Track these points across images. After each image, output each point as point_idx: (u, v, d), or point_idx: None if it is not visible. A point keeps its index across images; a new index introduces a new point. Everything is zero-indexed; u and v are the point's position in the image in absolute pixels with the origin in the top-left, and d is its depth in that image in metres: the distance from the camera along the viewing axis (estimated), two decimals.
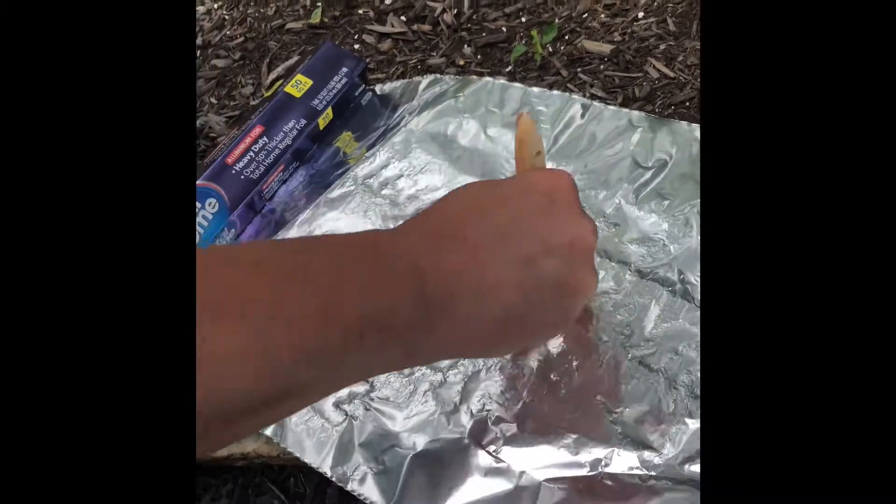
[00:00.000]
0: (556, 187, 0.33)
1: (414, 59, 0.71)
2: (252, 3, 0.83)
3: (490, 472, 0.39)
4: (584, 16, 0.68)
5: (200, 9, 0.85)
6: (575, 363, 0.41)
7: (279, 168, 0.60)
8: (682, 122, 0.50)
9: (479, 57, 0.68)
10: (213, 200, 0.57)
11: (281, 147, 0.60)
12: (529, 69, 0.65)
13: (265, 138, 0.60)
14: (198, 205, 0.56)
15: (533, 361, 0.42)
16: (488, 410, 0.41)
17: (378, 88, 0.65)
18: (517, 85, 0.58)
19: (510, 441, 0.39)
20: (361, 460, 0.41)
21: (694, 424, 0.38)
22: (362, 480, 0.40)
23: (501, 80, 0.59)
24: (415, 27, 0.74)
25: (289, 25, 0.79)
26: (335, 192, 0.55)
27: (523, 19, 0.70)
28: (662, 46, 0.63)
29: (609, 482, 0.37)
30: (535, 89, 0.56)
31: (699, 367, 0.39)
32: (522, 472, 0.38)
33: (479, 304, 0.29)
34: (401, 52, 0.72)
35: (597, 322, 0.42)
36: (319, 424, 0.43)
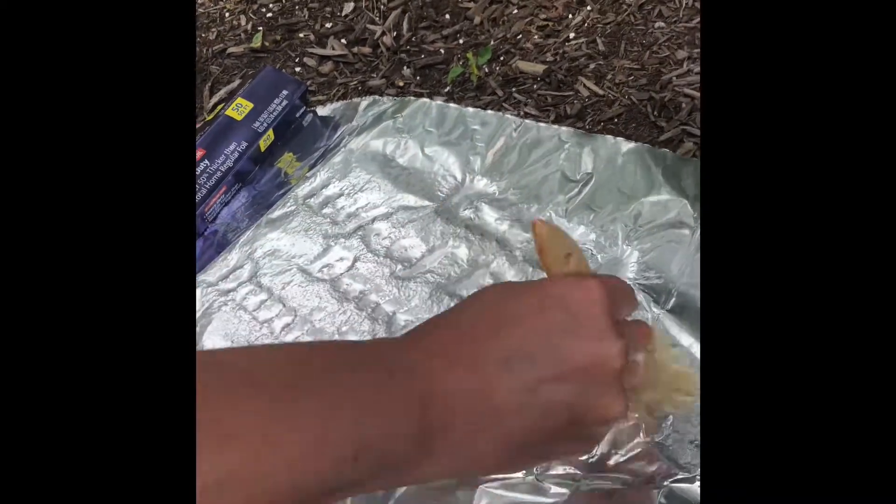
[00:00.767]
0: (580, 301, 0.29)
1: (354, 81, 0.72)
2: None
3: None
4: (519, 37, 0.70)
5: None
6: None
7: (221, 190, 0.61)
8: (608, 136, 0.53)
9: (417, 78, 0.70)
10: None
11: (223, 170, 0.61)
12: (467, 89, 0.67)
13: (206, 161, 0.61)
14: None
15: None
16: None
17: (319, 110, 0.67)
18: (453, 105, 0.59)
19: None
20: None
21: (623, 424, 0.40)
22: None
23: (438, 101, 0.61)
24: (355, 49, 0.75)
25: (230, 50, 0.79)
26: (276, 213, 0.56)
27: (461, 41, 0.73)
28: (592, 66, 0.65)
29: (543, 483, 0.39)
30: (471, 109, 0.58)
31: None
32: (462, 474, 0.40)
33: (479, 432, 0.28)
34: (341, 74, 0.74)
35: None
36: None
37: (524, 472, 0.39)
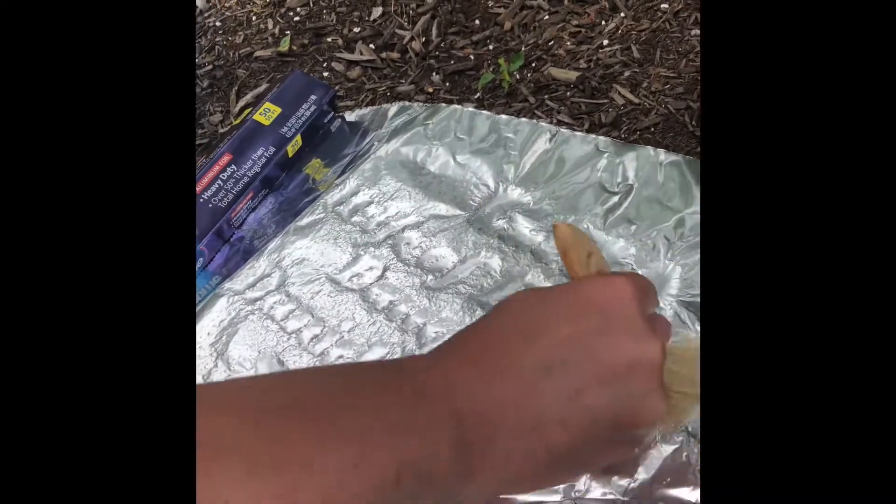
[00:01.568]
0: (612, 301, 0.28)
1: (383, 87, 0.71)
2: (220, 32, 0.83)
3: None
4: (550, 43, 0.69)
5: None
6: None
7: (248, 196, 0.60)
8: (648, 146, 0.51)
9: (447, 84, 0.69)
10: None
11: (250, 175, 0.60)
12: (497, 96, 0.66)
13: (233, 166, 0.60)
14: None
15: None
16: None
17: (347, 115, 0.66)
18: (485, 112, 0.58)
19: None
20: None
21: (667, 449, 0.38)
22: None
23: (470, 108, 0.60)
24: (383, 55, 0.74)
25: (257, 53, 0.79)
26: (305, 220, 0.55)
27: (490, 47, 0.71)
28: (627, 73, 0.64)
29: None
30: (503, 117, 0.57)
31: None
32: (502, 499, 0.38)
33: (521, 447, 0.26)
34: (370, 80, 0.73)
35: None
36: None
37: (562, 495, 0.38)
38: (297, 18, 0.82)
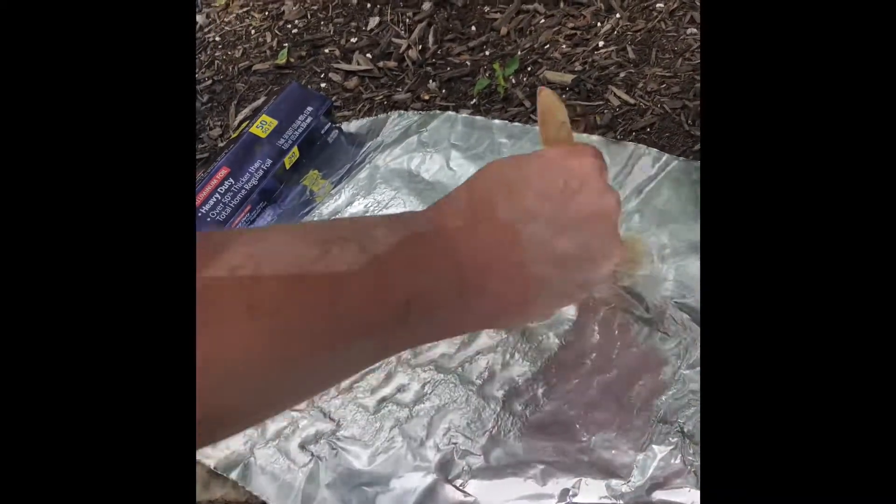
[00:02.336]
0: (577, 164, 0.34)
1: (380, 96, 0.71)
2: (220, 46, 0.84)
3: None
4: (546, 47, 0.69)
5: None
6: (540, 391, 0.41)
7: (246, 209, 0.60)
8: (641, 145, 0.51)
9: (443, 91, 0.69)
10: None
11: (247, 188, 0.60)
12: (493, 101, 0.66)
13: (231, 179, 0.60)
14: None
15: (498, 392, 0.42)
16: (454, 444, 0.40)
17: (345, 126, 0.66)
18: (479, 118, 0.58)
19: (477, 474, 0.39)
20: (328, 501, 0.40)
21: (661, 451, 0.38)
22: None
23: (464, 114, 0.60)
24: (380, 64, 0.75)
25: (255, 67, 0.79)
26: None
27: (487, 52, 0.71)
28: (623, 74, 0.64)
29: None
30: (497, 122, 0.57)
31: (670, 392, 0.39)
32: None
33: (509, 282, 0.32)
34: (367, 90, 0.73)
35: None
36: (286, 466, 0.42)
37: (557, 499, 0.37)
38: (294, 31, 0.82)
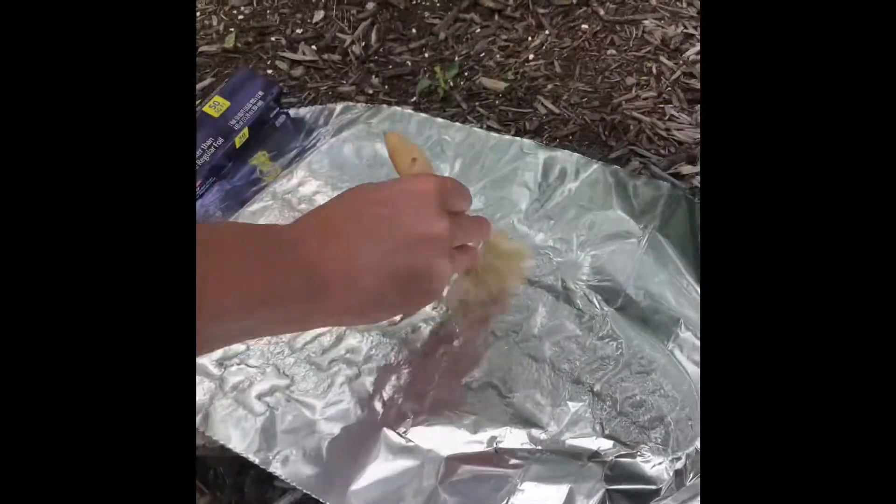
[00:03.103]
0: (420, 191, 0.40)
1: (325, 86, 0.76)
2: None
3: (400, 451, 0.44)
4: (482, 55, 0.76)
5: None
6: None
7: (196, 183, 0.64)
8: (567, 151, 0.58)
9: (386, 87, 0.75)
10: None
11: (198, 163, 0.64)
12: (433, 101, 0.72)
13: None
14: None
15: (440, 355, 0.48)
16: (398, 398, 0.46)
17: (293, 112, 0.70)
18: (423, 115, 0.64)
19: (417, 423, 0.45)
20: (283, 445, 0.45)
21: (574, 406, 0.45)
22: (284, 463, 0.45)
23: (409, 110, 0.66)
24: (325, 56, 0.79)
25: (202, 48, 0.82)
26: (254, 206, 0.60)
27: (426, 55, 0.77)
28: (550, 86, 0.71)
29: (502, 455, 0.43)
30: (440, 120, 0.63)
31: (577, 357, 0.47)
32: (429, 450, 0.44)
33: (348, 287, 0.38)
34: (312, 79, 0.77)
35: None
36: (243, 414, 0.47)
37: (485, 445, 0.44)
38: (241, 17, 0.85)
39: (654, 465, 0.42)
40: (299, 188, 0.60)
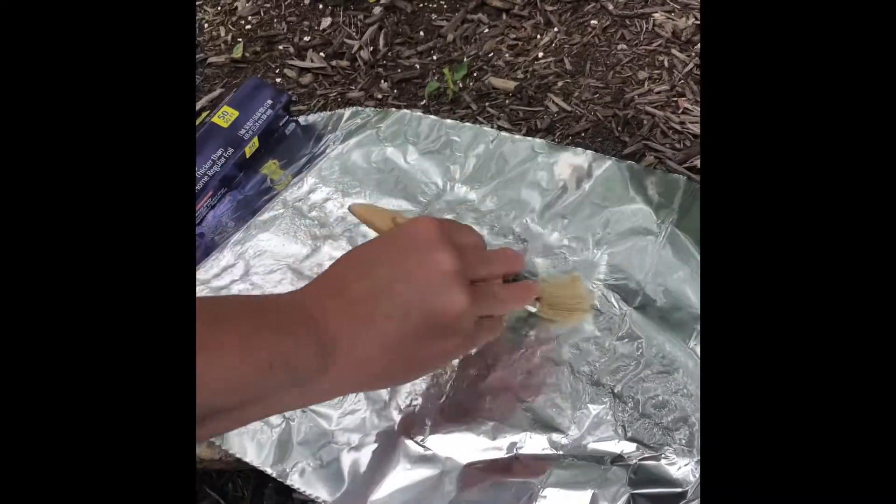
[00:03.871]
0: (415, 231, 0.39)
1: (334, 93, 0.75)
2: None
3: (419, 460, 0.43)
4: (490, 55, 0.75)
5: None
6: (489, 361, 0.47)
7: (208, 194, 0.64)
8: (578, 148, 0.57)
9: (395, 91, 0.74)
10: None
11: (209, 174, 0.64)
12: (442, 103, 0.71)
13: None
14: None
15: (454, 360, 0.47)
16: (415, 405, 0.45)
17: (302, 119, 0.70)
18: (432, 117, 0.63)
19: (435, 431, 0.44)
20: (300, 457, 0.45)
21: (595, 409, 0.44)
22: (301, 475, 0.44)
23: (418, 113, 0.65)
24: (333, 63, 0.79)
25: (211, 60, 0.82)
26: (265, 216, 0.59)
27: (434, 57, 0.77)
28: (560, 83, 0.70)
29: (523, 462, 0.42)
30: (449, 121, 0.62)
31: (597, 359, 0.46)
32: (448, 458, 0.43)
33: (360, 344, 0.35)
34: (321, 86, 0.77)
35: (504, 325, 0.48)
36: (259, 427, 0.46)
37: (505, 451, 0.43)
38: (248, 27, 0.85)
39: (680, 467, 0.41)
40: (310, 195, 0.59)
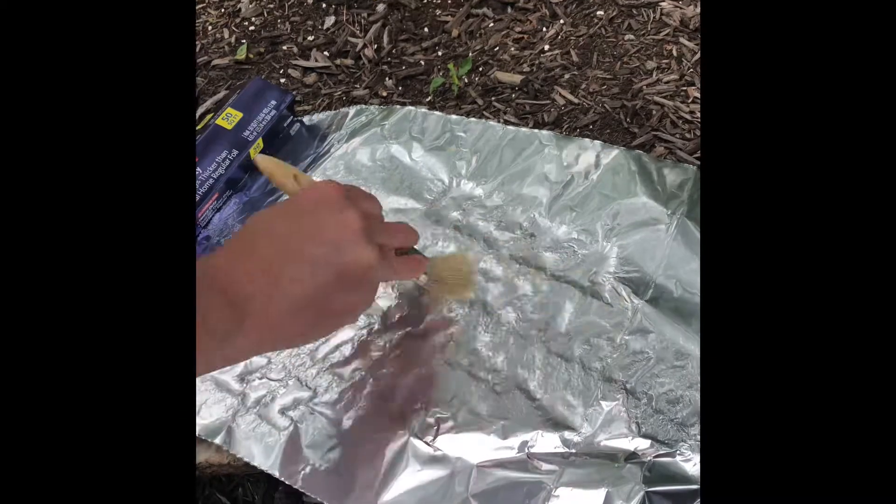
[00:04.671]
0: (319, 195, 0.40)
1: (339, 92, 0.75)
2: None
3: (428, 461, 0.43)
4: (496, 49, 0.74)
5: None
6: (500, 359, 0.46)
7: (213, 197, 0.63)
8: (586, 139, 0.56)
9: (400, 88, 0.73)
10: None
11: (214, 177, 0.63)
12: (448, 99, 0.70)
13: (198, 169, 0.63)
14: None
15: (463, 360, 0.46)
16: (423, 406, 0.45)
17: (307, 119, 0.69)
18: (437, 113, 0.62)
19: (445, 431, 0.43)
20: (308, 460, 0.44)
21: (607, 406, 0.43)
22: (310, 477, 0.43)
23: (423, 109, 0.64)
24: (338, 61, 0.78)
25: (215, 62, 0.82)
26: None
27: (439, 53, 0.76)
28: (567, 76, 0.69)
29: (534, 461, 0.42)
30: (454, 117, 0.61)
31: (608, 355, 0.45)
32: (458, 458, 0.42)
33: (272, 306, 0.36)
34: (325, 85, 0.76)
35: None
36: (267, 430, 0.46)
37: (517, 450, 0.42)
38: (252, 28, 0.85)
39: (695, 463, 0.40)
40: None
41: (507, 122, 0.64)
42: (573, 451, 0.42)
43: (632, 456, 0.41)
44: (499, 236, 0.52)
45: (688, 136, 0.61)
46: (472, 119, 0.61)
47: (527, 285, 0.49)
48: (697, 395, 0.42)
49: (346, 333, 0.49)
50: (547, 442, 0.42)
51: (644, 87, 0.66)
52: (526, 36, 0.74)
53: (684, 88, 0.65)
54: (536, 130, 0.59)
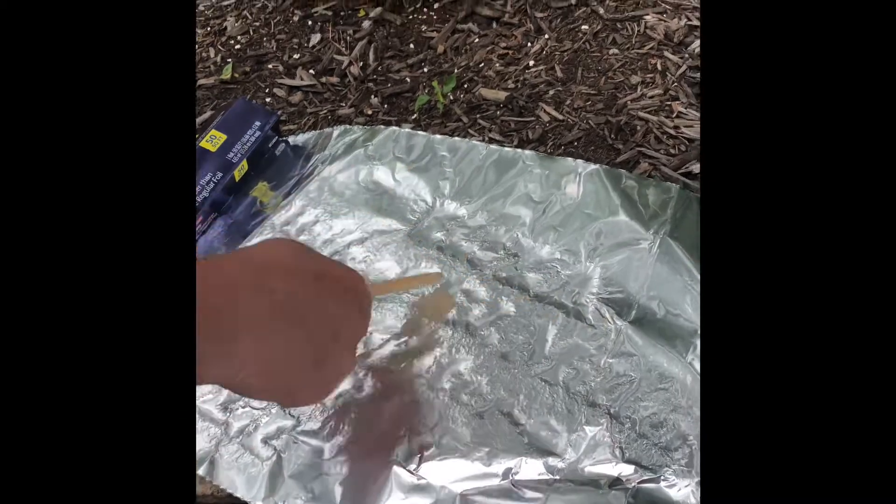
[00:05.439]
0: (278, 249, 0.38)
1: (324, 110, 0.75)
2: None
3: (412, 489, 0.42)
4: (481, 65, 0.74)
5: None
6: (484, 381, 0.45)
7: (198, 220, 0.63)
8: (569, 158, 0.56)
9: (385, 106, 0.73)
10: None
11: (199, 200, 0.63)
12: (433, 116, 0.70)
13: None
14: None
15: (446, 384, 0.46)
16: (406, 433, 0.44)
17: (292, 139, 0.69)
18: (421, 133, 0.62)
19: (428, 458, 0.43)
20: (291, 490, 0.44)
21: (591, 431, 0.42)
22: None
23: (407, 129, 0.64)
24: (323, 80, 0.78)
25: (200, 82, 0.81)
26: (255, 240, 0.58)
27: (425, 69, 0.76)
28: (552, 92, 0.69)
29: (519, 489, 0.41)
30: (438, 136, 0.61)
31: (592, 378, 0.44)
32: (442, 487, 0.42)
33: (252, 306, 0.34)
34: (311, 104, 0.76)
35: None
36: (249, 460, 0.45)
37: (500, 477, 0.42)
38: (237, 47, 0.85)
39: (680, 488, 0.39)
40: (298, 218, 0.58)
41: (491, 140, 0.64)
42: (557, 477, 0.41)
43: (616, 482, 0.40)
44: (482, 256, 0.52)
45: (672, 151, 0.61)
46: (456, 138, 0.61)
47: (510, 306, 0.49)
48: (681, 419, 0.42)
49: None
50: (531, 468, 0.42)
51: (628, 102, 0.66)
52: (511, 51, 0.74)
53: (668, 103, 0.65)
54: (520, 150, 0.58)
